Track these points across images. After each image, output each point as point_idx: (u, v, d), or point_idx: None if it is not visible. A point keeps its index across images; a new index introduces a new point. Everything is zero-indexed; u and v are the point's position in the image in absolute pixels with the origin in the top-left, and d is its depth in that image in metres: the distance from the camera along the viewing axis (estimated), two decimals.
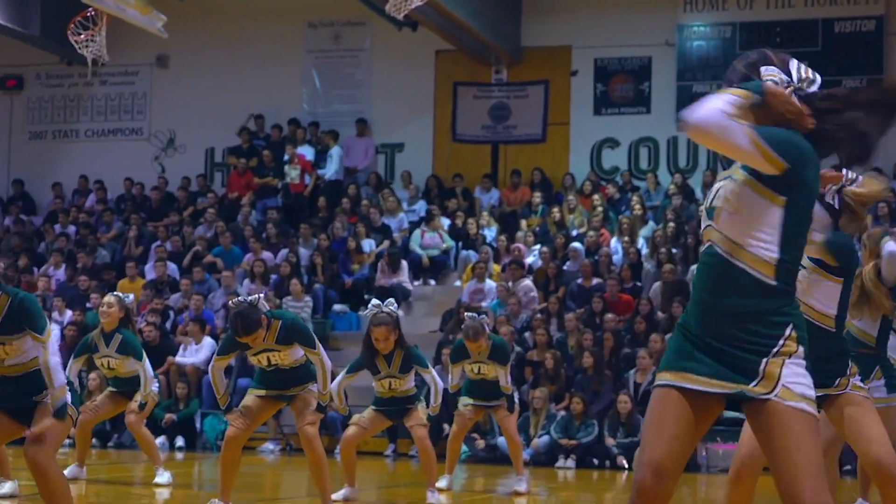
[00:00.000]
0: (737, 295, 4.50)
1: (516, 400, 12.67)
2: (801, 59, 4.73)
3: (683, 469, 4.58)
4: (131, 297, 12.98)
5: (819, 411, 4.87)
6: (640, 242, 21.16)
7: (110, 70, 24.07)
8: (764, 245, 4.48)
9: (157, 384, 12.83)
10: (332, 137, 24.12)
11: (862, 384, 6.85)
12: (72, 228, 24.35)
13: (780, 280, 4.48)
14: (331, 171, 24.02)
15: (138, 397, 12.39)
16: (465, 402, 12.51)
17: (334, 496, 10.58)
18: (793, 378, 4.44)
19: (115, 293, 12.77)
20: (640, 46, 23.31)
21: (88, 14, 17.24)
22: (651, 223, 21.61)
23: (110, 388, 12.72)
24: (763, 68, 4.64)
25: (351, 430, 11.20)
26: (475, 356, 12.22)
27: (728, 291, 4.51)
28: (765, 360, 4.45)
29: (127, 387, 12.52)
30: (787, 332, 4.47)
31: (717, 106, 4.33)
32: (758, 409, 4.48)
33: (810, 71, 4.68)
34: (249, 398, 9.83)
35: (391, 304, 10.76)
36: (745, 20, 22.75)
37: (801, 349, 4.49)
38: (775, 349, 4.46)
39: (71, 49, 18.09)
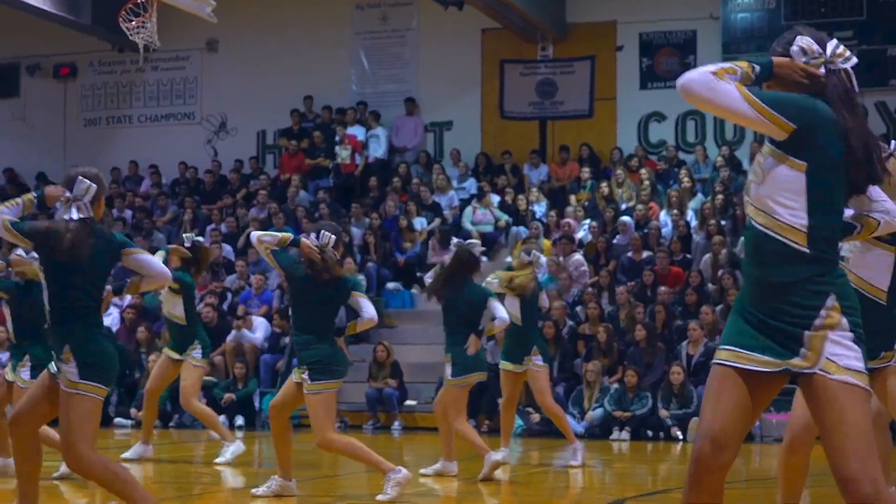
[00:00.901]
0: (773, 265, 4.53)
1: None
2: (845, 29, 4.81)
3: (742, 441, 4.65)
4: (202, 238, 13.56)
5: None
6: (689, 215, 21.20)
7: (161, 56, 24.18)
8: (792, 212, 4.50)
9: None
10: (375, 118, 24.29)
11: None
12: (128, 213, 24.62)
13: (813, 247, 4.49)
14: (377, 151, 24.21)
15: (192, 350, 12.80)
16: (503, 366, 12.60)
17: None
18: (837, 351, 4.46)
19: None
20: (684, 20, 23.28)
21: (139, 1, 17.43)
22: (700, 196, 21.63)
23: (167, 352, 13.04)
24: (796, 38, 4.69)
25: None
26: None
27: (766, 262, 4.56)
28: (807, 332, 4.48)
29: (178, 336, 12.88)
30: (829, 302, 4.49)
31: (707, 69, 4.43)
32: (807, 383, 4.53)
33: (846, 50, 4.70)
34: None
35: (467, 243, 12.03)
36: None
37: (844, 321, 4.49)
38: (817, 321, 4.48)
39: (122, 36, 18.21)
